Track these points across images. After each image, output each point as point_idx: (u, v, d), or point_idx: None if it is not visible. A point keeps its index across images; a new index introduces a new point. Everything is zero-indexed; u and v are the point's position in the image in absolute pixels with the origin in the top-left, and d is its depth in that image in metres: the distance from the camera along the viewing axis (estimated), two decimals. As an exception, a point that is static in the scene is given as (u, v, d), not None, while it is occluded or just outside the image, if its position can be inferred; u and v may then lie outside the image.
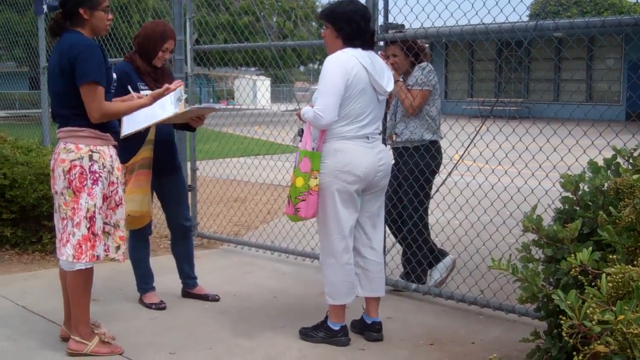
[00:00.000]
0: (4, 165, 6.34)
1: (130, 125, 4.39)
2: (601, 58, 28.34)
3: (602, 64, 28.61)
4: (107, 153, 3.98)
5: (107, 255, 4.05)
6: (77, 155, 3.89)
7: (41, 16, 8.93)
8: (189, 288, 5.21)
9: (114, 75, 4.23)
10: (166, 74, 4.95)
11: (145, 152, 4.64)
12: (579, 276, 2.70)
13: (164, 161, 4.86)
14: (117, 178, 4.05)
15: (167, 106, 4.39)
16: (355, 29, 4.17)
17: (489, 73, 27.46)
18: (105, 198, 3.99)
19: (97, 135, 3.96)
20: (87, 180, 3.89)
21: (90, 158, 3.90)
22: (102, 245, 4.00)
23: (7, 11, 17.79)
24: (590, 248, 2.74)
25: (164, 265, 5.63)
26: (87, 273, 4.02)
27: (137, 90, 4.56)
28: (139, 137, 4.53)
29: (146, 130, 4.56)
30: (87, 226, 3.91)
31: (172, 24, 6.17)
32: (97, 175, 3.91)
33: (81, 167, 3.89)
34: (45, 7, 8.31)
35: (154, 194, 4.97)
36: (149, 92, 4.51)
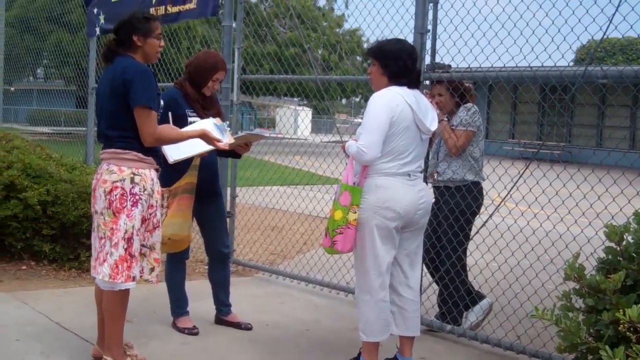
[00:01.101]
0: (47, 181, 6.44)
1: (175, 151, 4.44)
2: (647, 106, 28.03)
3: (647, 112, 28.26)
4: (149, 176, 4.03)
5: (141, 277, 4.09)
6: (119, 177, 3.94)
7: (93, 38, 9.09)
8: (223, 315, 5.21)
9: (161, 102, 4.29)
10: (214, 102, 5.01)
11: (189, 178, 4.69)
12: (627, 333, 2.65)
13: (206, 187, 4.90)
14: (157, 201, 4.10)
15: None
16: (402, 67, 4.18)
17: (533, 115, 27.30)
18: (143, 220, 4.03)
19: (140, 158, 4.01)
20: (127, 202, 3.93)
21: (132, 180, 3.95)
22: (138, 267, 4.03)
23: (59, 31, 18.19)
24: (640, 305, 2.68)
25: (198, 290, 5.64)
26: (125, 294, 4.05)
27: (185, 117, 4.67)
28: (184, 163, 4.58)
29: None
30: (125, 247, 3.95)
31: (221, 53, 6.25)
32: (137, 197, 3.95)
33: (122, 188, 3.93)
34: (97, 29, 8.45)
35: (194, 219, 4.99)
36: (197, 119, 4.65)
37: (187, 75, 4.91)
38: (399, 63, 4.18)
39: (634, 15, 4.17)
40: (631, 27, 4.32)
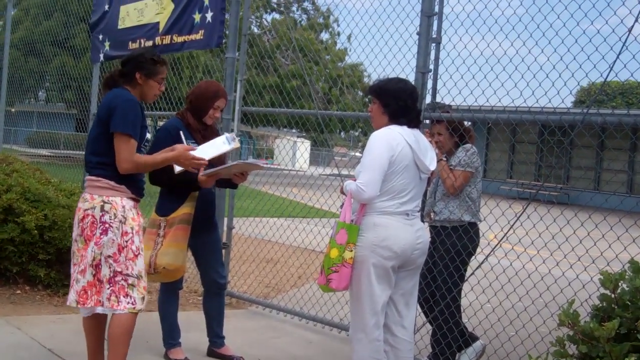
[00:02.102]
0: (46, 206, 6.45)
1: None
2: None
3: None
4: (120, 204, 4.03)
5: (134, 308, 4.02)
6: (90, 205, 4.00)
7: (97, 64, 9.13)
8: (216, 347, 5.19)
9: (148, 135, 4.30)
10: (214, 132, 5.05)
11: (186, 208, 4.70)
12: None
13: (203, 218, 4.91)
14: (132, 228, 4.05)
15: (220, 146, 4.53)
16: (402, 107, 4.20)
17: (531, 156, 27.38)
18: (120, 249, 4.00)
19: (111, 186, 4.04)
20: (97, 230, 3.97)
21: (102, 208, 3.98)
22: (106, 293, 3.96)
23: (63, 55, 18.30)
24: (634, 358, 2.68)
25: (191, 321, 5.63)
26: (129, 323, 4.01)
27: None
28: (181, 193, 4.60)
29: (189, 186, 4.64)
30: (93, 273, 3.97)
31: (223, 83, 6.29)
32: (107, 225, 3.97)
33: (92, 216, 3.98)
34: (102, 55, 8.51)
35: (189, 249, 4.98)
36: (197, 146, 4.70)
37: (189, 104, 4.95)
38: (399, 103, 4.20)
39: (634, 62, 4.21)
40: (632, 75, 4.36)
